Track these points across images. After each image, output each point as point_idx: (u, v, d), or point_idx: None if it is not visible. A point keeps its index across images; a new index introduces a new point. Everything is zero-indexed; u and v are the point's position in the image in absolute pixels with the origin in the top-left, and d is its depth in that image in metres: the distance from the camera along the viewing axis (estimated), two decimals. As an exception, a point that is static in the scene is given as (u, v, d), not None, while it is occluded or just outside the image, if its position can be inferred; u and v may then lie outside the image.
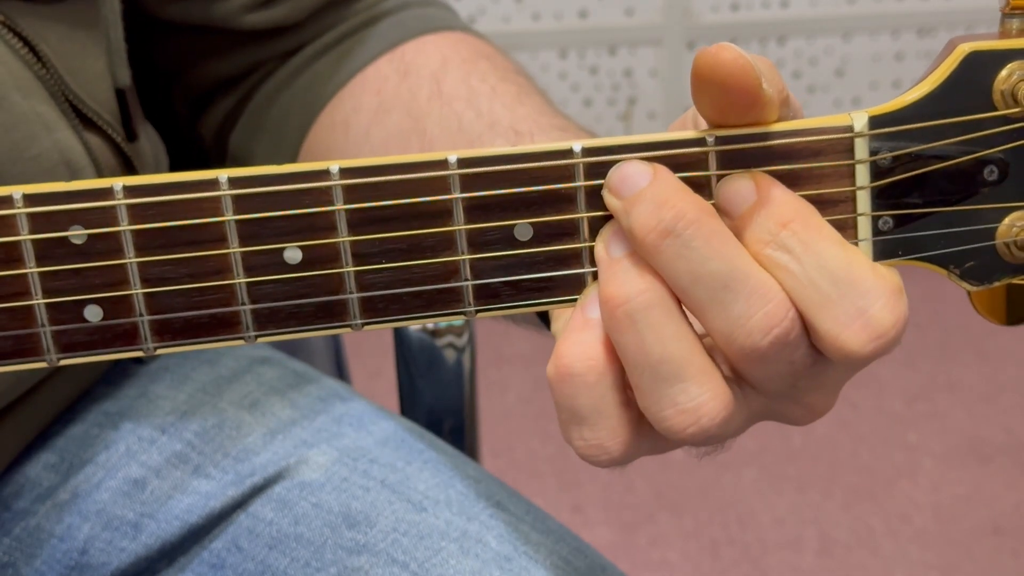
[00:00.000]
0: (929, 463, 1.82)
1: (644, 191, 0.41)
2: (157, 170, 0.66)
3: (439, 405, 0.81)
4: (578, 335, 0.42)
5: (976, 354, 2.02)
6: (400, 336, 0.81)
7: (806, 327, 0.41)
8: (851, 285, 0.40)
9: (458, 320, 0.80)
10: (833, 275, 0.40)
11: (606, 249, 0.42)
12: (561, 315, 0.51)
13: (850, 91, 2.31)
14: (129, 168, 0.61)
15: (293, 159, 0.68)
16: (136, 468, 0.62)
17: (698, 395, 0.41)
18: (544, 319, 0.53)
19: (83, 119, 0.58)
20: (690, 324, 0.41)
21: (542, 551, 0.58)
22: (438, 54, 0.65)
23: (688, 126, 0.45)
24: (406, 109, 0.63)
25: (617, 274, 0.41)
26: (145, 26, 0.65)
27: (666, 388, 0.41)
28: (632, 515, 1.73)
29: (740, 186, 0.42)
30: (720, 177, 0.42)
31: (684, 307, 0.41)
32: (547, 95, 0.65)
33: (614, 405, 0.42)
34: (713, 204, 0.42)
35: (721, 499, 1.76)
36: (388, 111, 0.64)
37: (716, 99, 0.41)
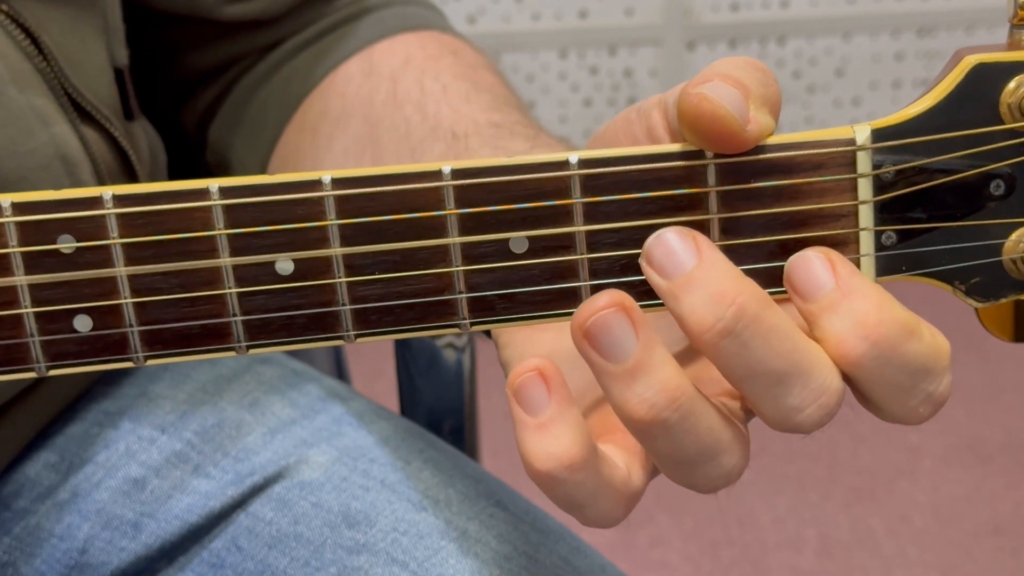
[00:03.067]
0: (929, 463, 1.82)
1: (694, 275, 0.39)
2: (154, 165, 0.66)
3: (439, 405, 0.81)
4: (542, 439, 0.39)
5: (976, 354, 2.02)
6: (400, 336, 0.81)
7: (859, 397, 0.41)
8: (924, 375, 0.40)
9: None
10: (912, 370, 0.40)
11: (604, 356, 0.39)
12: (512, 339, 0.50)
13: (850, 91, 2.31)
14: (126, 163, 0.61)
15: (268, 154, 0.68)
16: (136, 467, 0.62)
17: (728, 463, 0.40)
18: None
19: (81, 112, 0.58)
20: (714, 405, 0.40)
21: (542, 551, 0.58)
22: (403, 52, 0.65)
23: (635, 123, 0.45)
24: (364, 115, 0.63)
25: (637, 390, 0.39)
26: (135, 15, 0.66)
27: (698, 468, 0.40)
28: (632, 515, 1.72)
29: (817, 271, 0.40)
30: (720, 194, 0.41)
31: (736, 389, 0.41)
32: (508, 89, 0.65)
33: (607, 482, 0.41)
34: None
35: (721, 499, 1.76)
36: (349, 117, 0.64)
37: (702, 140, 0.41)
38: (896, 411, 0.41)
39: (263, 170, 0.68)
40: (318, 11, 0.68)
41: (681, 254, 0.39)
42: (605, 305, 0.39)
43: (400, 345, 0.81)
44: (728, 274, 0.39)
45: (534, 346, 0.49)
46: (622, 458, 0.42)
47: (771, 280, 0.42)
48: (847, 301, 0.39)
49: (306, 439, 0.62)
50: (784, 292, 0.41)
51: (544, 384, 0.39)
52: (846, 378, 0.40)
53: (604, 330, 0.39)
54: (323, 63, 0.67)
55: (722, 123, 0.39)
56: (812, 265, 0.40)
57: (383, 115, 0.63)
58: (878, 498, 1.75)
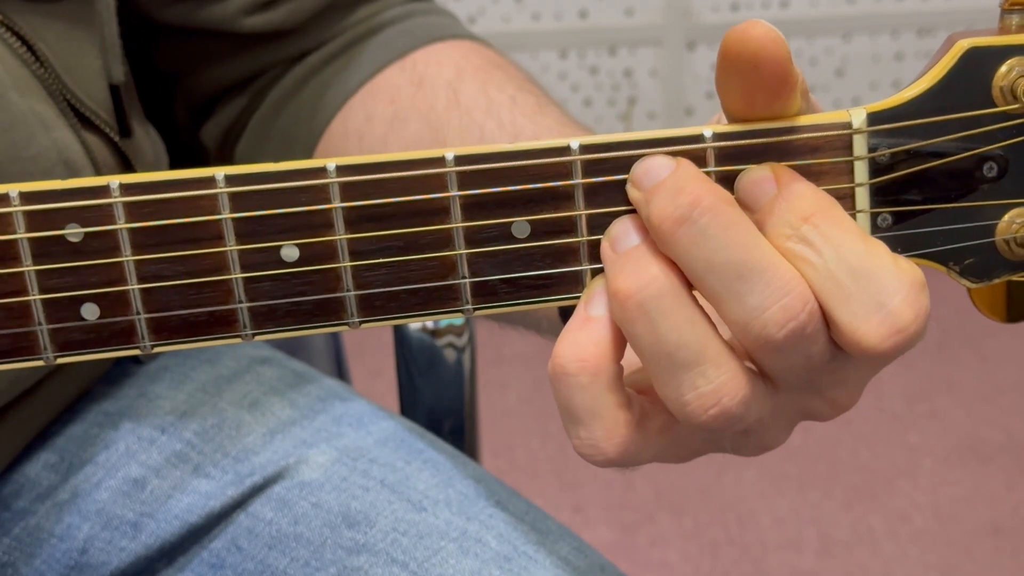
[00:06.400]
0: (929, 463, 1.82)
1: (664, 181, 0.41)
2: (157, 169, 0.65)
3: (439, 405, 0.81)
4: (575, 334, 0.42)
5: (975, 354, 2.02)
6: (400, 336, 0.81)
7: (826, 321, 0.41)
8: (871, 278, 0.40)
9: (458, 319, 0.80)
10: (853, 268, 0.40)
11: (612, 246, 0.42)
12: None
13: (850, 91, 2.31)
14: (127, 167, 0.61)
15: None
16: (136, 468, 0.62)
17: (716, 377, 0.40)
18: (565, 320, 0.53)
19: (81, 118, 0.58)
20: (703, 309, 0.41)
21: (542, 551, 0.58)
22: (451, 63, 0.65)
23: None
24: (424, 119, 0.63)
25: (625, 267, 0.41)
26: (145, 30, 0.65)
27: (684, 374, 0.40)
28: (632, 515, 1.73)
29: (760, 179, 0.41)
30: (719, 174, 0.42)
31: (700, 296, 0.41)
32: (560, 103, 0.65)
33: (609, 406, 0.41)
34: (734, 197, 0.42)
35: (721, 499, 1.76)
36: (404, 120, 0.64)
37: (746, 78, 0.40)
38: (847, 319, 0.40)
39: None
40: (341, 20, 0.67)
41: (659, 169, 0.41)
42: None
43: (400, 345, 0.82)
44: (694, 177, 0.41)
45: None
46: (640, 406, 0.43)
47: None
48: (787, 201, 0.41)
49: (306, 439, 0.62)
50: None
51: (604, 292, 0.42)
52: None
53: (619, 224, 0.42)
54: (356, 74, 0.66)
55: (774, 45, 0.39)
56: (756, 175, 0.42)
57: (448, 119, 0.62)
58: (878, 498, 1.75)
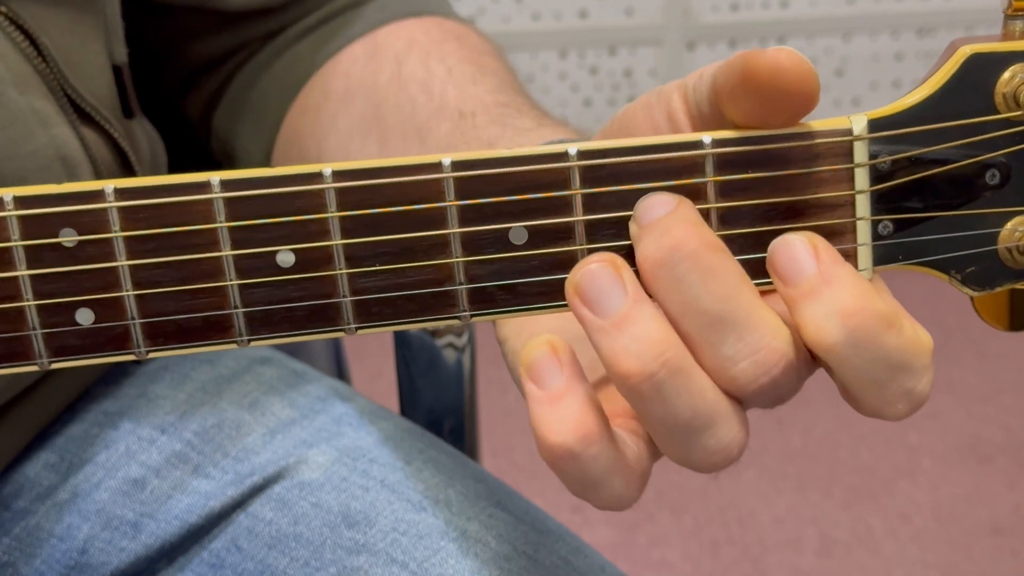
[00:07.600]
0: (929, 463, 1.82)
1: (657, 221, 0.40)
2: (154, 165, 0.66)
3: (439, 405, 0.81)
4: (556, 410, 0.40)
5: (976, 355, 2.01)
6: (400, 336, 0.81)
7: (806, 367, 0.41)
8: (904, 370, 0.40)
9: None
10: (890, 363, 0.39)
11: (596, 314, 0.40)
12: (506, 323, 0.50)
13: (850, 91, 2.31)
14: (125, 163, 0.61)
15: (272, 140, 0.68)
16: (136, 468, 0.62)
17: (726, 435, 0.40)
18: None
19: (80, 113, 0.58)
20: (704, 372, 0.40)
21: (542, 551, 0.58)
22: (406, 36, 0.65)
23: (638, 120, 0.45)
24: (368, 94, 0.64)
25: (627, 345, 0.39)
26: (139, 8, 0.66)
27: (695, 438, 0.40)
28: (632, 515, 1.73)
29: (799, 253, 0.40)
30: (717, 184, 0.42)
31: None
32: (512, 75, 0.65)
33: (621, 461, 0.41)
34: (768, 260, 0.41)
35: (721, 499, 1.76)
36: (352, 96, 0.64)
37: (769, 103, 0.40)
38: (872, 404, 0.41)
39: (268, 156, 0.69)
40: None
41: (658, 207, 0.40)
42: (595, 260, 0.40)
43: (400, 345, 0.82)
44: (683, 219, 0.40)
45: (536, 322, 0.48)
46: (630, 438, 0.42)
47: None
48: (828, 288, 0.39)
49: (306, 439, 0.62)
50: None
51: (556, 358, 0.40)
52: (825, 367, 0.41)
53: (593, 283, 0.39)
54: (325, 48, 0.67)
55: (804, 78, 0.39)
56: (794, 249, 0.40)
57: (388, 95, 0.63)
58: (878, 498, 1.75)
